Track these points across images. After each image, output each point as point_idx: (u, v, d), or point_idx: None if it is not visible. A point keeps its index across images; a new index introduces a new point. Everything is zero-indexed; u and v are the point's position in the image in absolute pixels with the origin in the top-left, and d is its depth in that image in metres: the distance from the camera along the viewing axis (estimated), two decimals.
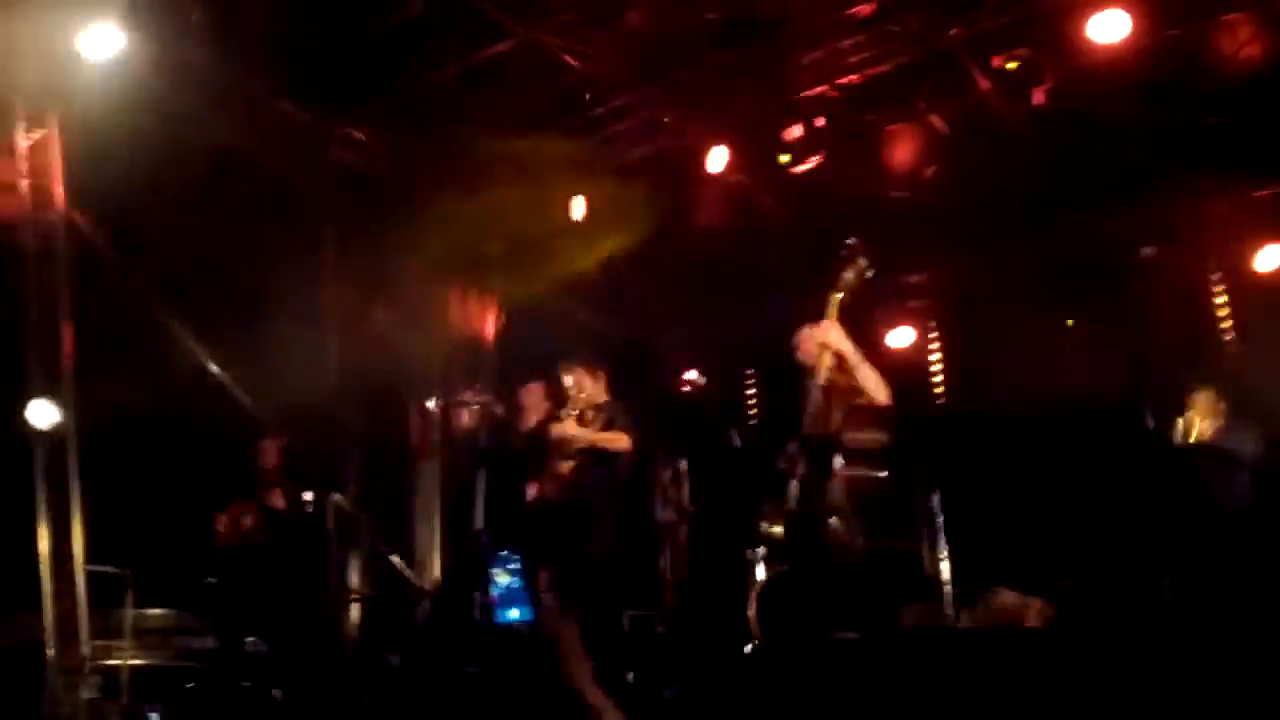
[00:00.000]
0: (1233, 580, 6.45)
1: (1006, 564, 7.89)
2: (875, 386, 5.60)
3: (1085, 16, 7.43)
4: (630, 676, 6.87)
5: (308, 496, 7.65)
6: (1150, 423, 5.30)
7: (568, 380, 6.37)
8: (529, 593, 4.31)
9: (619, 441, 6.08)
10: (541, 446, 6.35)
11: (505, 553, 4.39)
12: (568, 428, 6.10)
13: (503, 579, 4.39)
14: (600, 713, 4.07)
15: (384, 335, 9.54)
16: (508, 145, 8.89)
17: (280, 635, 7.10)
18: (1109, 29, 7.36)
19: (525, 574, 3.99)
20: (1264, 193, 8.86)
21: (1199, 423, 7.00)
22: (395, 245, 9.54)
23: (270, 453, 7.47)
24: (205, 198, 8.10)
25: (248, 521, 7.15)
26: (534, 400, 6.83)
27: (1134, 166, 8.42)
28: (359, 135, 9.33)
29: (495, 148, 8.92)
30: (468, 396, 7.23)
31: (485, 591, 4.60)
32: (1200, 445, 7.01)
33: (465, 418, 7.99)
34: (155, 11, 7.57)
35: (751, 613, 7.11)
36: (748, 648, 7.16)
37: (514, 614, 4.06)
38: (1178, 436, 6.99)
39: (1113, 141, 8.19)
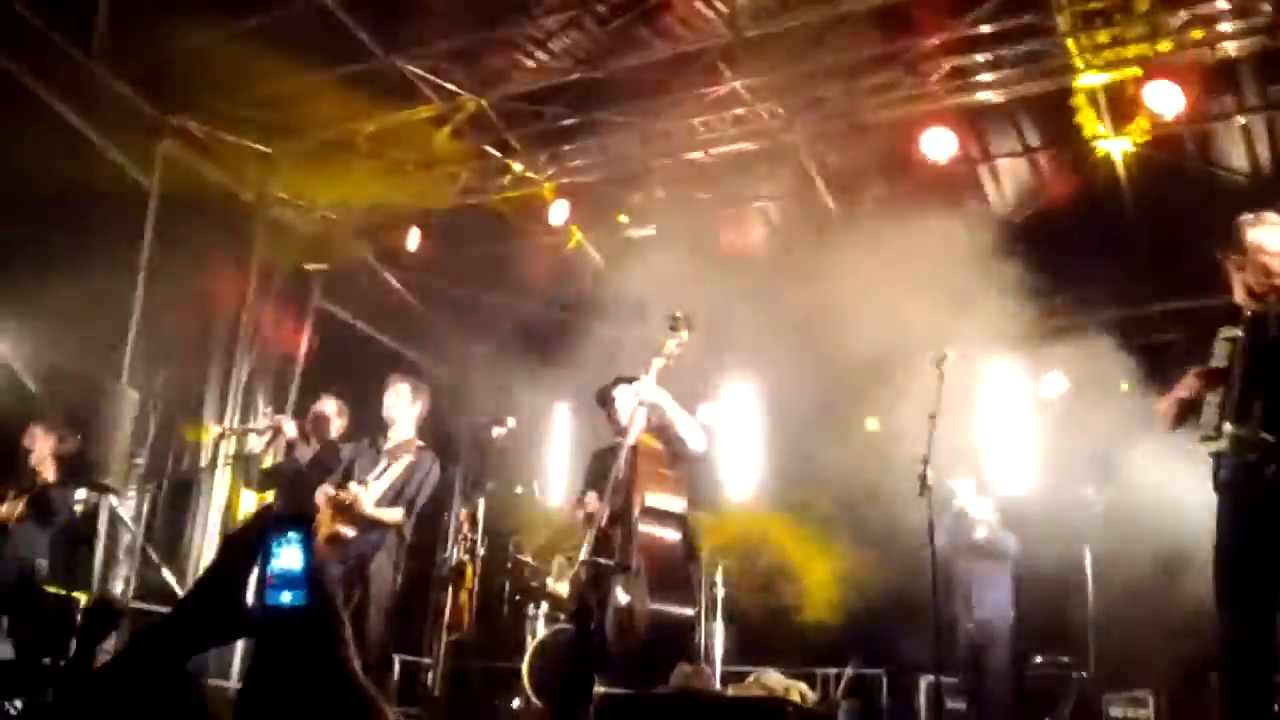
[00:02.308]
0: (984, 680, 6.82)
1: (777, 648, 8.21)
2: (694, 435, 5.73)
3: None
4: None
5: (80, 495, 7.26)
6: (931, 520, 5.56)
7: (390, 398, 6.27)
8: (306, 577, 4.16)
9: (395, 518, 6.01)
10: (327, 469, 6.24)
11: (289, 534, 4.23)
12: (362, 495, 5.93)
13: (278, 561, 4.22)
14: (374, 700, 3.98)
15: (189, 342, 9.18)
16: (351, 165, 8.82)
17: (27, 639, 6.68)
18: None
19: (306, 558, 3.86)
20: None
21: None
22: (214, 252, 9.25)
23: (40, 440, 7.02)
24: (22, 172, 7.69)
25: (10, 508, 6.72)
26: (326, 417, 6.71)
27: None
28: (195, 132, 9.07)
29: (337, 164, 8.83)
30: (258, 422, 7.03)
31: (260, 571, 4.43)
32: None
33: (255, 439, 7.74)
34: None
35: (525, 667, 7.11)
36: (515, 703, 7.13)
37: (286, 597, 3.91)
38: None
39: None
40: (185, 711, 4.02)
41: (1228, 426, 4.03)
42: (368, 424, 6.66)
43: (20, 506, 6.74)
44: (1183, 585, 6.02)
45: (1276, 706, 3.93)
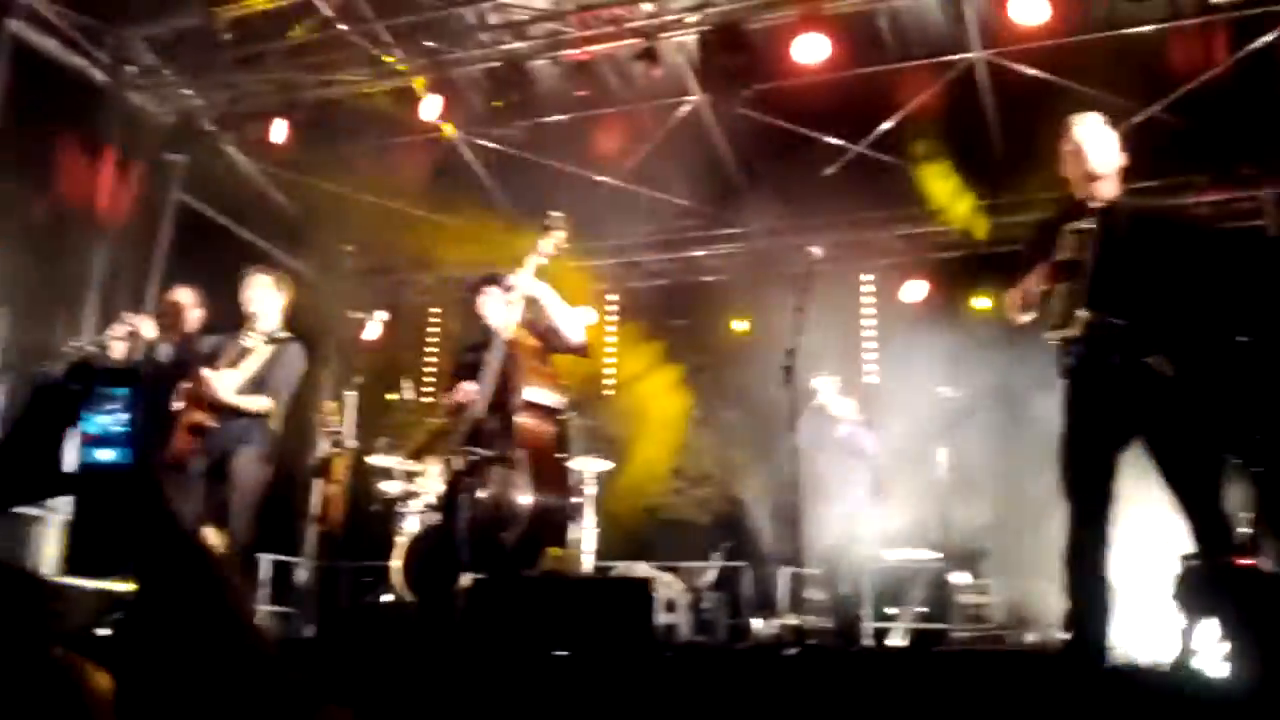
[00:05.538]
0: None
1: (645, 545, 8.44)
2: (572, 326, 5.79)
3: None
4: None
5: None
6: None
7: (250, 290, 6.11)
8: (131, 435, 4.07)
9: (260, 406, 5.88)
10: (186, 363, 6.05)
11: (111, 389, 4.12)
12: (217, 381, 5.77)
13: (99, 419, 4.12)
14: (209, 553, 3.94)
15: (43, 233, 8.76)
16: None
17: None
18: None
19: (131, 415, 3.79)
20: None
21: None
22: (66, 139, 8.82)
23: None
24: None
25: None
26: (181, 305, 6.47)
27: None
28: (43, 11, 8.58)
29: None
30: (114, 328, 6.66)
31: (76, 428, 4.29)
32: None
33: (117, 348, 7.44)
34: None
35: (397, 564, 7.14)
36: (386, 598, 7.18)
37: (108, 455, 3.84)
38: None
39: None
40: None
41: (1080, 312, 4.21)
42: (232, 322, 6.49)
43: None
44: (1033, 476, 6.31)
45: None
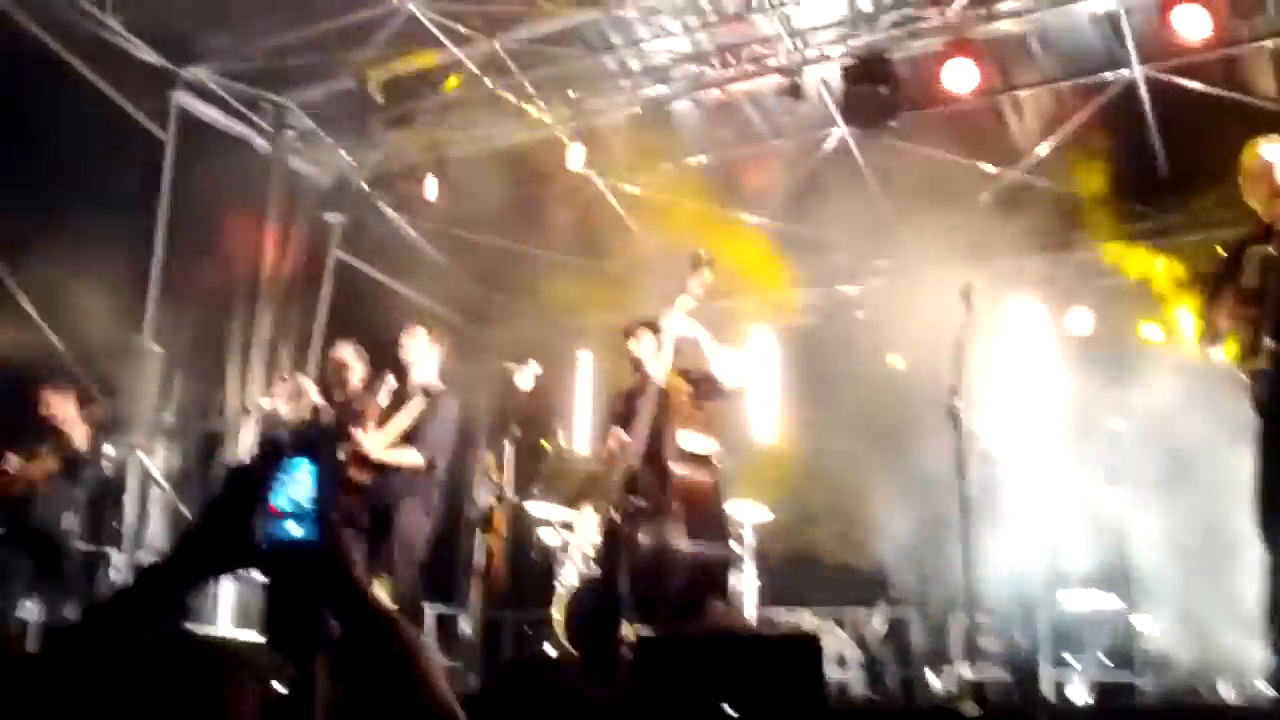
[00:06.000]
0: None
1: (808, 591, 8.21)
2: (729, 370, 5.70)
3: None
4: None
5: (109, 451, 7.26)
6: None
7: (406, 342, 6.20)
8: (318, 510, 4.13)
9: (413, 460, 5.92)
10: (349, 421, 6.16)
11: (297, 467, 4.20)
12: (367, 442, 5.86)
13: (287, 495, 4.20)
14: (395, 621, 3.96)
15: (210, 294, 9.15)
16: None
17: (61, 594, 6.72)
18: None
19: (318, 491, 3.85)
20: None
21: None
22: (230, 204, 9.20)
23: (57, 402, 6.98)
24: (41, 129, 7.64)
25: (41, 468, 6.72)
26: (344, 363, 6.59)
27: None
28: (209, 83, 9.00)
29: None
30: (280, 390, 6.89)
31: (265, 505, 4.38)
32: None
33: (284, 409, 7.64)
34: None
35: (558, 615, 7.11)
36: (549, 650, 7.15)
37: (296, 530, 3.92)
38: None
39: None
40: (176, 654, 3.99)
41: (1268, 342, 3.94)
42: (391, 374, 6.59)
43: (50, 465, 6.75)
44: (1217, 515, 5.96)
45: None
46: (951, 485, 5.51)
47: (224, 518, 4.42)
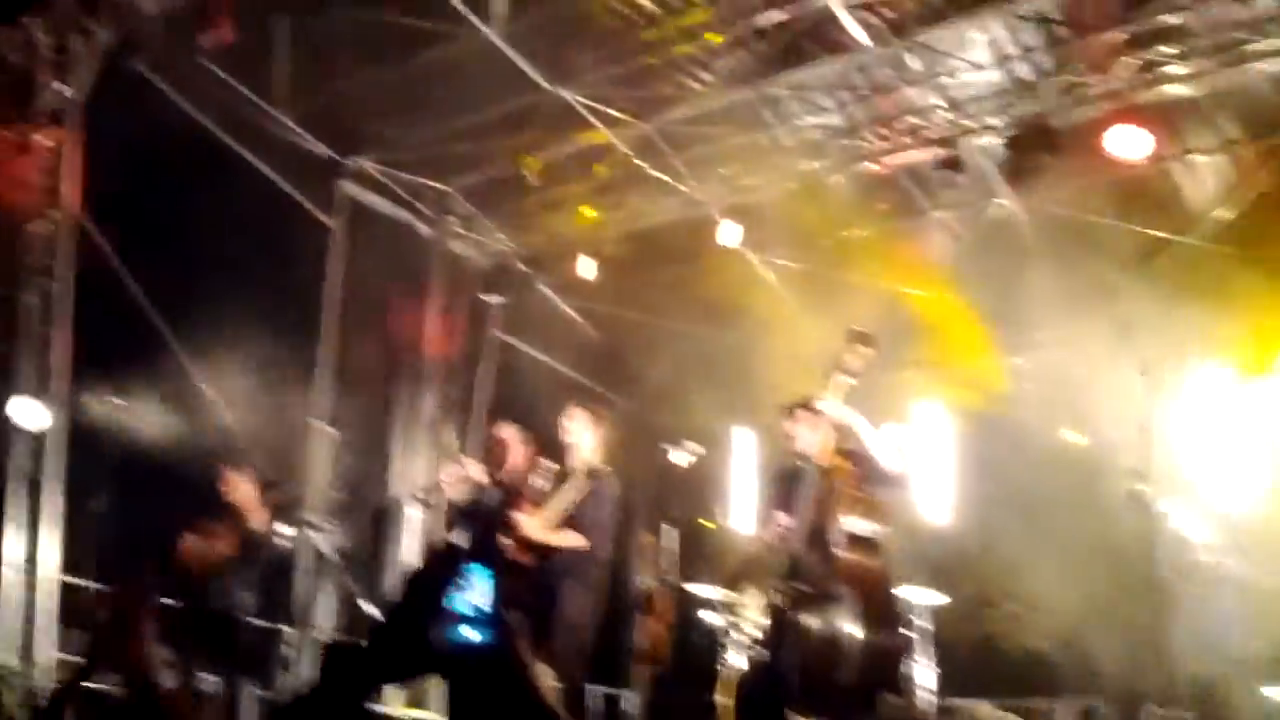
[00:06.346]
0: None
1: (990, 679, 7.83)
2: (888, 455, 5.52)
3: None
4: None
5: (286, 531, 7.46)
6: None
7: (566, 423, 6.22)
8: (494, 614, 4.14)
9: (574, 542, 5.91)
10: (511, 502, 6.19)
11: (472, 572, 4.24)
12: (529, 524, 5.87)
13: (464, 599, 4.22)
14: None
15: (376, 375, 9.42)
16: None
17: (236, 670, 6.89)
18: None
19: (491, 596, 3.87)
20: None
21: None
22: (394, 287, 9.48)
23: (236, 484, 7.23)
24: (216, 218, 8.04)
25: (219, 548, 6.93)
26: (506, 443, 6.64)
27: None
28: (372, 171, 9.34)
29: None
30: (447, 473, 7.01)
31: (444, 608, 4.42)
32: None
33: (450, 490, 7.79)
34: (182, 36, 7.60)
35: (725, 701, 6.94)
36: None
37: (473, 635, 3.92)
38: None
39: None
40: None
41: None
42: (551, 453, 6.63)
43: (228, 545, 6.96)
44: None
45: None
46: (1140, 568, 5.22)
47: (403, 624, 4.48)
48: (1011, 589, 8.87)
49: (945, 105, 8.23)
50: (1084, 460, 8.35)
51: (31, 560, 6.62)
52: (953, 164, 8.14)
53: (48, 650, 6.75)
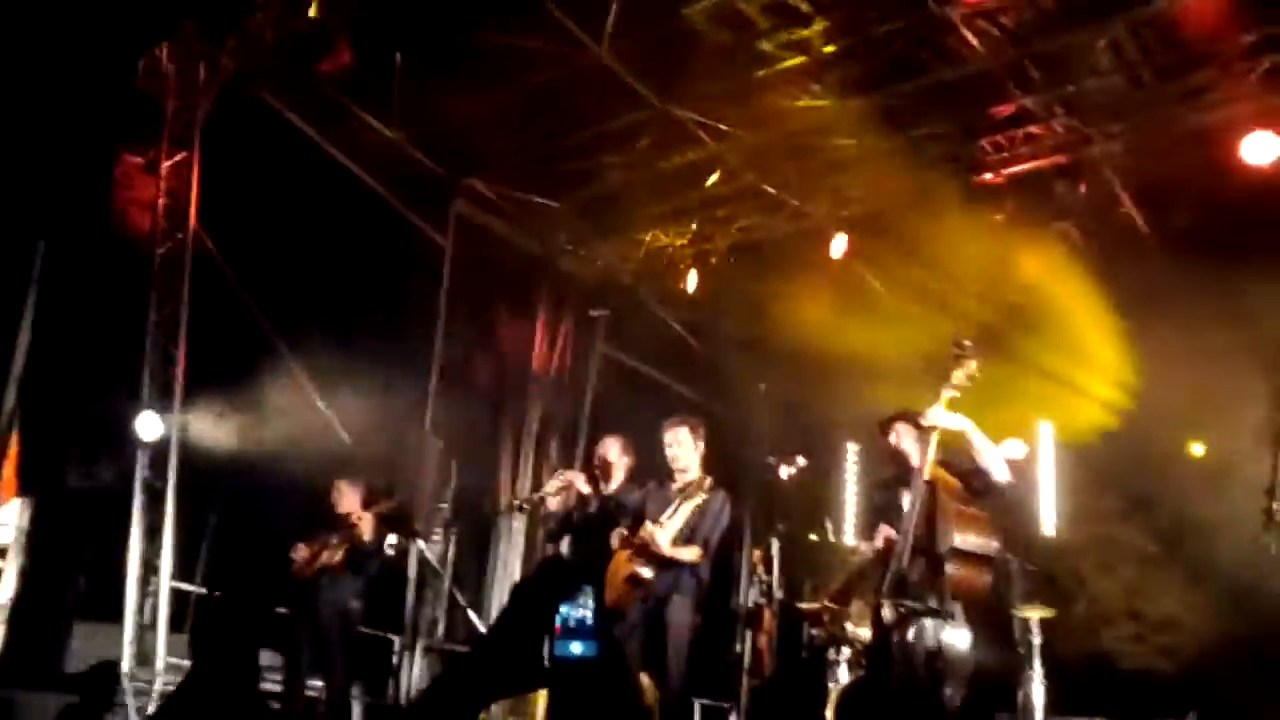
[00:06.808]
0: None
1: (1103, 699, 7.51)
2: (996, 463, 5.35)
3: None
4: None
5: (392, 540, 7.57)
6: None
7: (668, 439, 6.20)
8: (596, 628, 4.12)
9: (692, 556, 5.89)
10: (614, 514, 6.19)
11: (579, 585, 4.23)
12: (660, 535, 5.86)
13: (570, 614, 4.23)
14: None
15: (484, 389, 9.54)
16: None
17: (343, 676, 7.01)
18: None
19: (596, 609, 3.85)
20: None
21: None
22: (504, 303, 9.60)
23: (347, 495, 7.36)
24: (331, 237, 8.24)
25: (329, 556, 7.06)
26: (612, 458, 6.63)
27: None
28: (485, 191, 9.47)
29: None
30: (551, 483, 7.05)
31: (551, 621, 4.43)
32: None
33: (553, 501, 7.84)
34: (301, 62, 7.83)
35: (831, 716, 6.82)
36: None
37: (577, 648, 3.92)
38: None
39: None
40: None
41: None
42: (655, 466, 6.61)
43: (339, 555, 7.09)
44: None
45: None
46: (1269, 589, 4.96)
47: (510, 637, 4.51)
48: (1129, 606, 8.53)
49: (1064, 112, 7.99)
50: (1209, 472, 8.00)
51: (151, 568, 6.81)
52: (1071, 174, 7.91)
53: (163, 655, 6.92)
